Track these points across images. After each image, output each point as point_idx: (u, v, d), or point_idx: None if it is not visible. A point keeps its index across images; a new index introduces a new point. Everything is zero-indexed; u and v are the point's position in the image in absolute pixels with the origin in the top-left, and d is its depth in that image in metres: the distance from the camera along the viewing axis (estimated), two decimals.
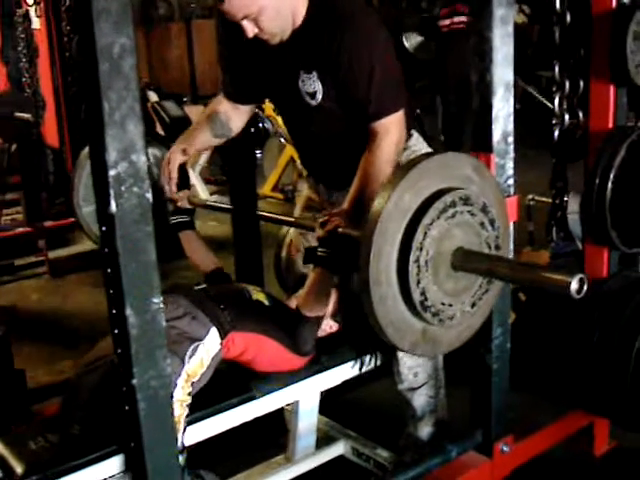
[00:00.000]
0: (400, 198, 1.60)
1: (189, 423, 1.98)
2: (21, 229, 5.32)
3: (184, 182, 2.47)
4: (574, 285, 1.50)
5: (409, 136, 2.39)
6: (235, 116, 2.49)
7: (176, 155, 2.43)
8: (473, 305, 1.75)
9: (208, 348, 2.00)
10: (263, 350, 2.16)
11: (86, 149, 2.71)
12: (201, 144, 2.54)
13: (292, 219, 2.44)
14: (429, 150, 2.43)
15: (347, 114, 2.22)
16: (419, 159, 1.67)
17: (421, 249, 1.61)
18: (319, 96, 2.22)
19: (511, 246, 2.13)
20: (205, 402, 2.05)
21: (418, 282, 1.62)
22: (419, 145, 2.42)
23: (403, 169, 1.65)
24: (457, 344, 1.82)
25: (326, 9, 2.14)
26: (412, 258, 1.60)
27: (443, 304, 1.68)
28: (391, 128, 2.14)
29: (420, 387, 2.44)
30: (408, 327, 1.68)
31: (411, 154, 2.37)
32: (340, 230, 1.98)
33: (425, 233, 1.61)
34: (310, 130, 2.37)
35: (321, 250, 2.04)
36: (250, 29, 2.10)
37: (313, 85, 2.21)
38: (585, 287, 1.51)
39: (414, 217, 1.61)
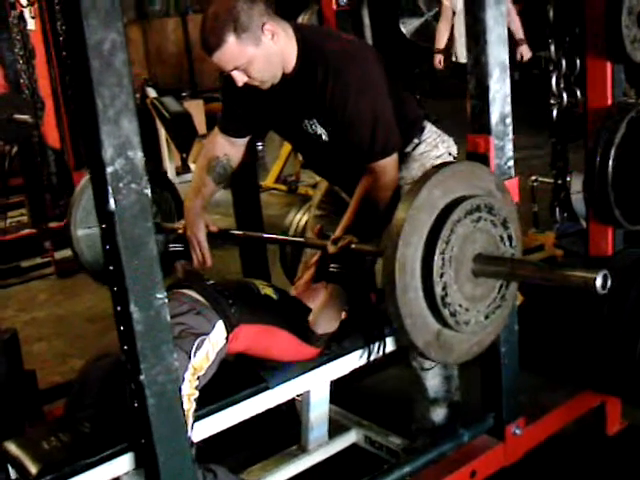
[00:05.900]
0: (431, 192, 1.66)
1: (201, 417, 1.97)
2: (26, 231, 5.34)
3: None
4: (599, 281, 1.56)
5: (422, 129, 2.41)
6: (234, 152, 2.47)
7: (202, 234, 2.37)
8: (486, 317, 1.80)
9: (214, 342, 1.99)
10: (275, 341, 2.15)
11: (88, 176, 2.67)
12: (212, 197, 2.49)
13: (302, 240, 2.42)
14: (443, 137, 2.46)
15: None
16: (450, 162, 1.78)
17: (447, 242, 1.66)
18: (325, 138, 2.26)
19: None
20: (215, 395, 2.04)
21: (441, 275, 1.66)
22: (433, 136, 2.43)
23: (435, 168, 1.72)
24: (466, 358, 1.87)
25: (316, 54, 2.16)
26: (438, 249, 1.65)
27: (461, 306, 1.73)
28: (387, 169, 2.20)
29: (434, 367, 2.43)
30: (425, 324, 1.72)
31: (426, 147, 2.40)
32: (353, 246, 2.01)
33: (452, 229, 1.67)
34: (323, 158, 2.40)
35: (334, 266, 2.06)
36: (240, 79, 2.12)
37: (317, 129, 2.25)
38: (609, 282, 1.57)
39: (443, 212, 1.68)
